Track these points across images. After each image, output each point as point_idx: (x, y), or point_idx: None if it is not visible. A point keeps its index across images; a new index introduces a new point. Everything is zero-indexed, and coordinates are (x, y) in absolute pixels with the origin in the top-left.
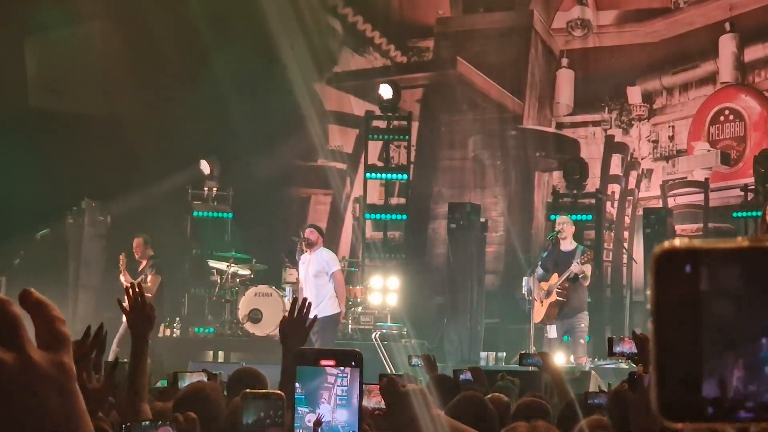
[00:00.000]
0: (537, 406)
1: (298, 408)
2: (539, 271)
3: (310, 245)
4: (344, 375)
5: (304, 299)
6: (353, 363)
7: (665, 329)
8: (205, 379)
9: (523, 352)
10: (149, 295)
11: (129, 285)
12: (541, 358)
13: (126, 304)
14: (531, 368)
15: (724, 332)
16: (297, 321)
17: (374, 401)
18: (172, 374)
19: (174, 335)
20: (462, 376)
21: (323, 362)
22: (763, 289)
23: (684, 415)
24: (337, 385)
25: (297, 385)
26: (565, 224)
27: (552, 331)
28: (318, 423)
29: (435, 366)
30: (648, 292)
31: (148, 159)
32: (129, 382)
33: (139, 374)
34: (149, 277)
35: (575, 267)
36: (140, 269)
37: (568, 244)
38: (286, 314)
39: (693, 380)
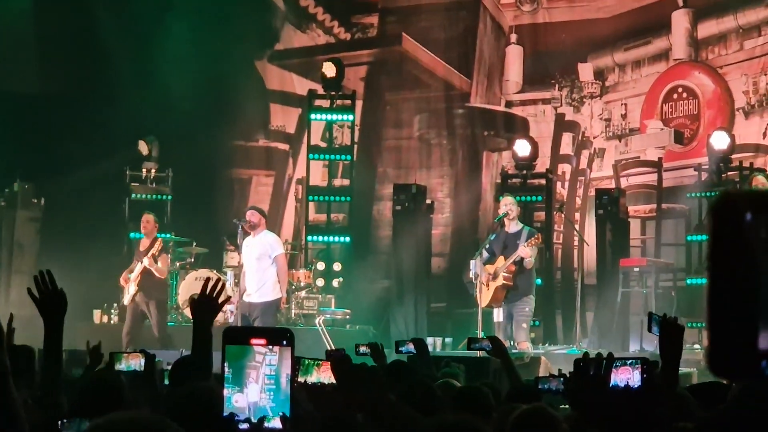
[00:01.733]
0: (476, 393)
1: (226, 387)
2: (485, 254)
3: (253, 227)
4: (273, 353)
5: (218, 279)
6: (284, 342)
7: (723, 279)
8: (142, 362)
9: (471, 336)
10: (162, 276)
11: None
12: (490, 342)
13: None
14: (479, 353)
15: None
16: (208, 300)
17: (323, 377)
18: (108, 354)
19: (111, 322)
20: (403, 348)
21: (253, 341)
22: None
23: (739, 370)
24: (266, 364)
25: (225, 364)
26: (510, 205)
27: (498, 315)
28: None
29: (383, 354)
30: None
31: (84, 139)
32: (43, 374)
33: (53, 364)
34: (160, 258)
35: (521, 250)
36: (145, 249)
37: (514, 226)
38: (197, 294)
39: (750, 333)
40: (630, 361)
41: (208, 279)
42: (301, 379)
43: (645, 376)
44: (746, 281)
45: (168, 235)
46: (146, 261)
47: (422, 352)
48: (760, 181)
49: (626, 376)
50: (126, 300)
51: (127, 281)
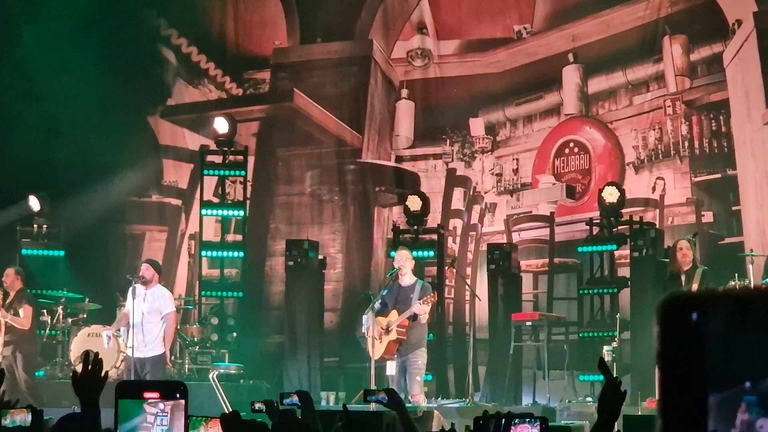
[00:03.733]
0: None
1: None
2: (377, 305)
3: (146, 283)
4: (164, 414)
5: (96, 353)
6: (177, 395)
7: (672, 376)
8: (28, 417)
9: (366, 389)
10: (24, 328)
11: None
12: (386, 394)
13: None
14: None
15: (730, 378)
16: (91, 375)
17: None
18: None
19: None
20: (287, 400)
21: (146, 394)
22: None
23: None
24: (157, 425)
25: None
26: (406, 260)
27: (391, 368)
28: None
29: (278, 410)
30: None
31: None
32: None
33: None
34: (21, 310)
35: (416, 308)
36: (8, 302)
37: (408, 279)
38: (79, 368)
39: (700, 426)
40: (528, 419)
41: (87, 354)
42: None
43: None
44: (696, 378)
45: (61, 291)
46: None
47: (306, 405)
48: (684, 246)
49: None
50: None
51: None
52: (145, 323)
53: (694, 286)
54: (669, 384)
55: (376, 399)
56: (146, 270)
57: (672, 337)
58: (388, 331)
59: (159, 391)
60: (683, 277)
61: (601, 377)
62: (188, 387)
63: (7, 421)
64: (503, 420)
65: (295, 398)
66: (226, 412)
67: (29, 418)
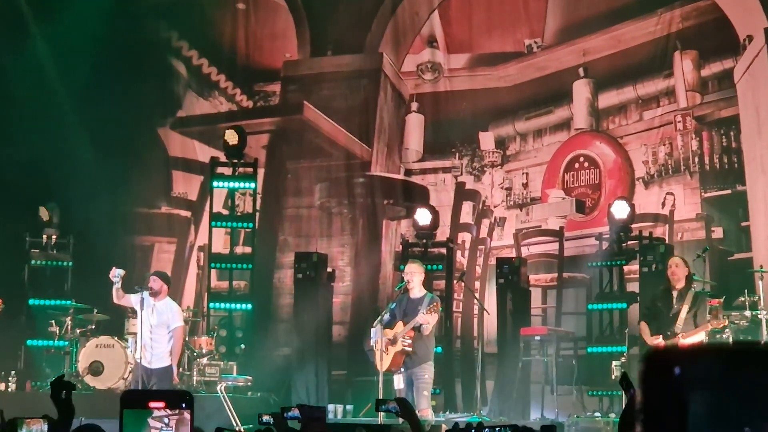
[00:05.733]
0: None
1: None
2: (386, 317)
3: (155, 294)
4: (169, 428)
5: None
6: (183, 404)
7: (653, 427)
8: (45, 427)
9: (378, 399)
10: None
11: None
12: (397, 404)
13: None
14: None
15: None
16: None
17: None
18: (8, 421)
19: (9, 390)
20: (288, 414)
21: (152, 404)
22: (751, 387)
23: None
24: None
25: None
26: (413, 273)
27: (399, 382)
28: None
29: (286, 424)
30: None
31: None
32: None
33: None
34: None
35: (420, 317)
36: None
37: (417, 292)
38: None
39: None
40: (498, 428)
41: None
42: None
43: None
44: (674, 427)
45: (69, 302)
46: None
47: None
48: (676, 263)
49: None
50: None
51: None
52: (153, 335)
53: (684, 308)
54: None
55: (387, 408)
56: (154, 282)
57: (654, 391)
58: (394, 342)
59: (165, 401)
60: (675, 294)
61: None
62: (196, 399)
63: (23, 431)
64: (473, 431)
65: (296, 412)
66: (235, 424)
67: (45, 428)
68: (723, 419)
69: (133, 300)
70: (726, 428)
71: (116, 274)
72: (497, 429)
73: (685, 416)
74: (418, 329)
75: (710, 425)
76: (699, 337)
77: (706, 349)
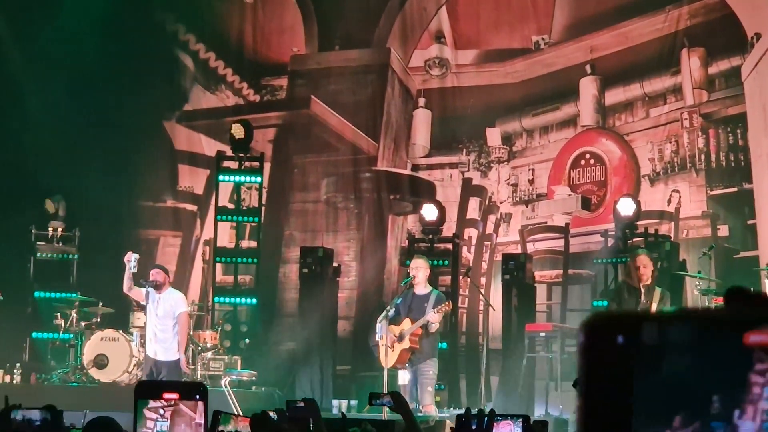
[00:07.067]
0: None
1: None
2: (391, 313)
3: (158, 287)
4: (164, 420)
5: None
6: (197, 396)
7: (594, 403)
8: (48, 417)
9: (372, 392)
10: None
11: None
12: (391, 398)
13: None
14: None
15: (655, 403)
16: None
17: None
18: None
19: (14, 382)
20: (376, 401)
21: (166, 395)
22: (697, 356)
23: None
24: (156, 430)
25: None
26: (419, 268)
27: (404, 378)
28: None
29: (287, 417)
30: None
31: None
32: None
33: None
34: None
35: (430, 316)
36: None
37: (422, 288)
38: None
39: None
40: (510, 417)
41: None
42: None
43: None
44: (620, 403)
45: (74, 295)
46: None
47: (313, 413)
48: (643, 263)
49: (507, 430)
50: None
51: None
52: (159, 326)
53: (653, 306)
54: (590, 411)
55: (381, 402)
56: (157, 274)
57: (595, 360)
58: (401, 339)
59: (179, 392)
60: (643, 291)
61: None
62: None
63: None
64: (485, 417)
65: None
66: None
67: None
68: (689, 388)
69: (141, 293)
70: (693, 398)
71: (131, 258)
72: (509, 417)
73: (630, 388)
74: (425, 327)
75: (675, 395)
76: None
77: (656, 316)
